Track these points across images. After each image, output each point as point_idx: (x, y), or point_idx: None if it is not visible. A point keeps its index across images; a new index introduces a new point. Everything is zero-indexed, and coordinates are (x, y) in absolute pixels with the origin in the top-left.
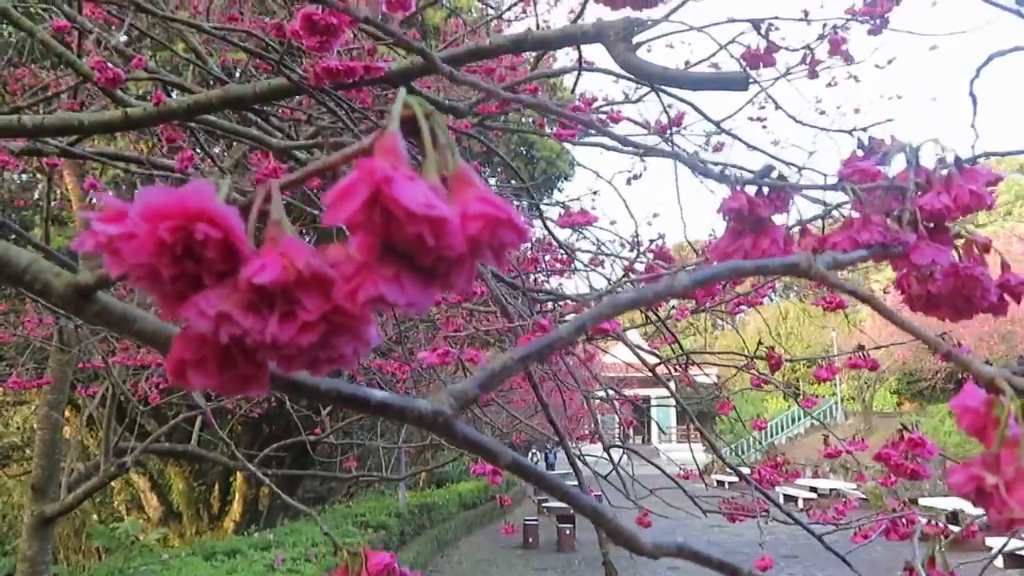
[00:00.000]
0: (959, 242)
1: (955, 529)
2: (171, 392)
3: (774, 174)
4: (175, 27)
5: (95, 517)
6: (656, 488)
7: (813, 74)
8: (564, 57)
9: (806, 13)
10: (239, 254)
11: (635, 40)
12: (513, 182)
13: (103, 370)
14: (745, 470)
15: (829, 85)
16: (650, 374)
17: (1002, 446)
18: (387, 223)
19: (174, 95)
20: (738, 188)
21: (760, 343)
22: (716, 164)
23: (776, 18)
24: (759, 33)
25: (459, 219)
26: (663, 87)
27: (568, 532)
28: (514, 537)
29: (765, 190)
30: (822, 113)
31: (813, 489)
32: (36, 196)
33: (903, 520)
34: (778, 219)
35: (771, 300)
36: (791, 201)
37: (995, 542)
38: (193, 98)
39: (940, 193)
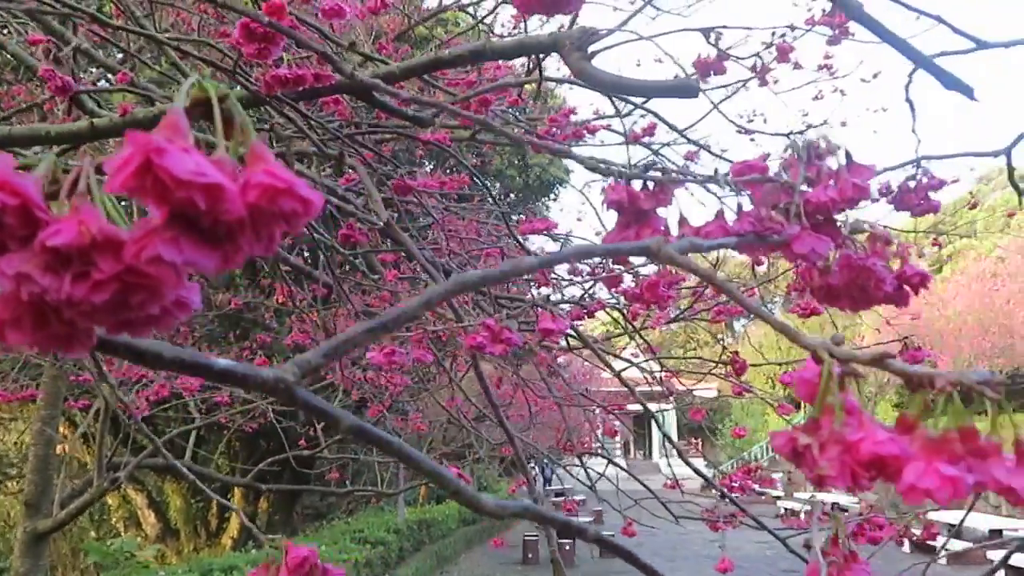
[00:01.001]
0: (862, 236)
1: (956, 542)
2: (163, 404)
3: (660, 171)
4: (141, 38)
5: (92, 534)
6: (641, 499)
7: (763, 81)
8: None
9: (749, 26)
10: (38, 220)
11: (590, 50)
12: (512, 195)
13: (92, 384)
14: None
15: (815, 99)
16: (653, 388)
17: (822, 411)
18: (161, 190)
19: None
20: (620, 182)
21: (724, 348)
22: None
23: (724, 27)
24: (708, 42)
25: (241, 188)
26: (617, 95)
27: (568, 548)
28: (514, 553)
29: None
30: (809, 126)
31: (835, 505)
32: None
33: (868, 524)
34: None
35: (771, 312)
36: (672, 194)
37: (997, 555)
38: (159, 108)
39: (826, 187)
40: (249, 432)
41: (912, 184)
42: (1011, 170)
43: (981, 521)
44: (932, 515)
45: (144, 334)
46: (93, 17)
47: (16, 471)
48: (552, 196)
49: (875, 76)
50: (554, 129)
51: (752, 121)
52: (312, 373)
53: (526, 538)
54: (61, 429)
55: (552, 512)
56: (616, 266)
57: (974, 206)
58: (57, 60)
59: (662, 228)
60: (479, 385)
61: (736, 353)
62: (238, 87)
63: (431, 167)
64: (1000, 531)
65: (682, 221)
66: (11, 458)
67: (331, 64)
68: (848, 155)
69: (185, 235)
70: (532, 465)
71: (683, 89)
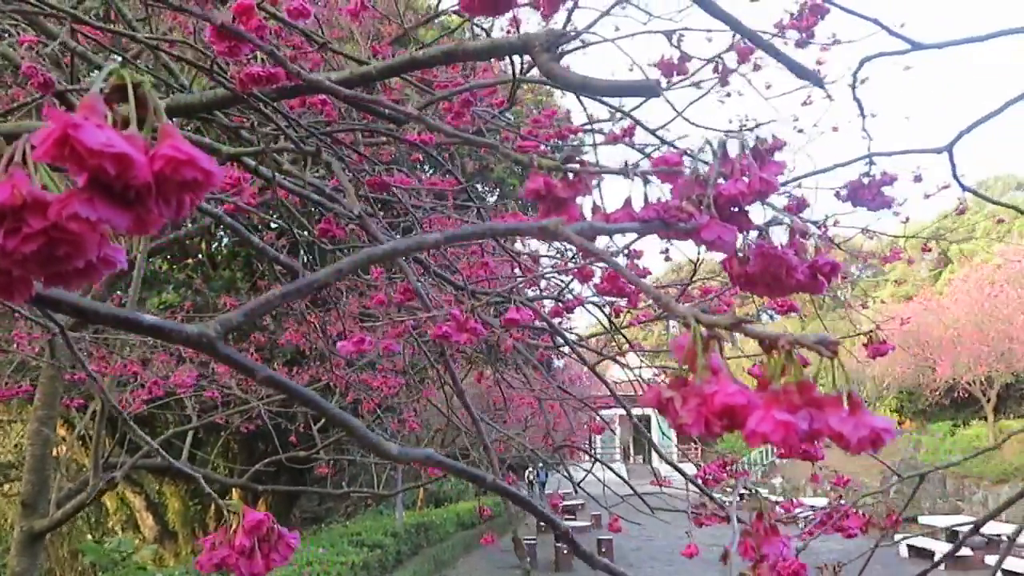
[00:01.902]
0: (778, 227)
1: (951, 546)
2: (155, 403)
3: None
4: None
5: (90, 537)
6: (627, 495)
7: (724, 82)
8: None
9: (709, 31)
10: None
11: (559, 50)
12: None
13: (86, 382)
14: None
15: (804, 104)
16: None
17: (690, 370)
18: (78, 158)
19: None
20: (539, 172)
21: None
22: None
23: (686, 29)
24: (671, 43)
25: (149, 158)
26: (584, 95)
27: (566, 551)
28: (511, 556)
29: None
30: (800, 131)
31: (813, 508)
32: None
33: (835, 513)
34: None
35: (771, 319)
36: (590, 184)
37: (993, 560)
38: None
39: (737, 180)
40: (246, 434)
41: (865, 181)
42: (953, 167)
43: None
44: (924, 519)
45: (75, 287)
46: (75, 17)
47: (16, 473)
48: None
49: (862, 82)
50: (537, 130)
51: (745, 125)
52: (233, 330)
53: (524, 542)
54: (60, 431)
55: (460, 464)
56: (587, 261)
57: (962, 212)
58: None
59: (578, 215)
60: (449, 381)
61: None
62: (219, 86)
63: (431, 171)
64: (999, 536)
65: (595, 208)
66: (11, 460)
67: (280, 64)
68: (756, 150)
69: (101, 197)
70: (530, 469)
71: (644, 89)
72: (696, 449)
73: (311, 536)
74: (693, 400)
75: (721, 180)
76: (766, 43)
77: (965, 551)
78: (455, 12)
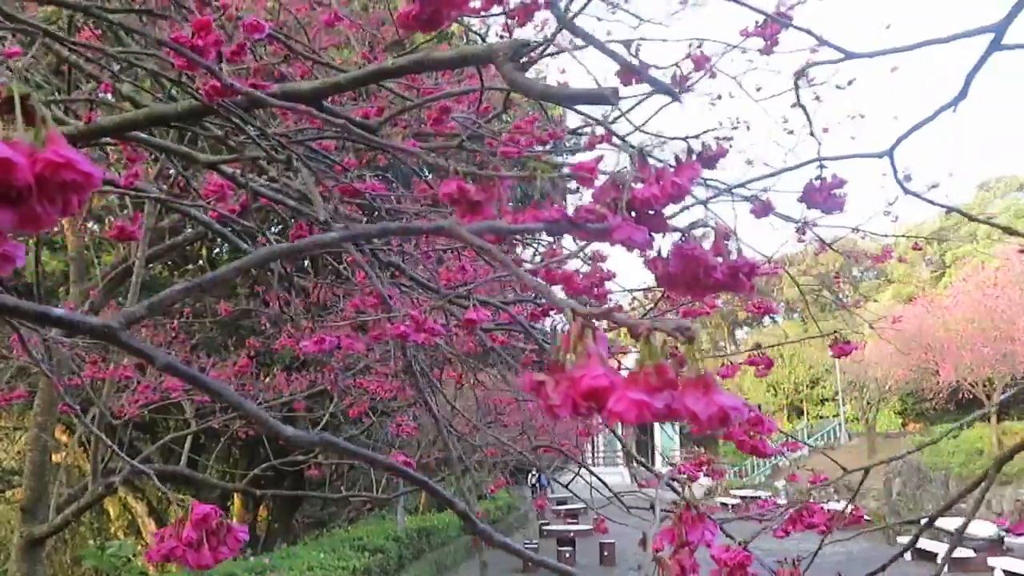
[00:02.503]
0: (699, 231)
1: (958, 550)
2: (152, 407)
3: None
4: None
5: (92, 543)
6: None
7: (684, 89)
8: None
9: (664, 39)
10: None
11: (522, 60)
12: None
13: (82, 388)
14: (758, 492)
15: (793, 106)
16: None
17: (570, 359)
18: None
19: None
20: (454, 176)
21: (665, 343)
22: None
23: (643, 39)
24: (629, 52)
25: (31, 162)
26: (546, 101)
27: (568, 555)
28: (513, 561)
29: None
30: (790, 132)
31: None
32: None
33: (806, 511)
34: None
35: (774, 322)
36: (503, 188)
37: (997, 562)
38: (121, 116)
39: (651, 184)
40: (247, 439)
41: (817, 183)
42: (895, 170)
43: (982, 528)
44: (1015, 537)
45: (6, 273)
46: (45, 32)
47: (19, 480)
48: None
49: (849, 83)
50: (519, 136)
51: (736, 128)
52: (135, 323)
53: (526, 546)
54: (61, 437)
55: (361, 450)
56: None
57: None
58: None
59: (491, 216)
60: (409, 381)
61: (675, 348)
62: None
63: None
64: (1002, 538)
65: (504, 211)
66: (14, 467)
67: (214, 77)
68: (676, 157)
69: None
70: (533, 473)
71: (602, 97)
72: (701, 452)
73: (313, 541)
74: (563, 383)
75: (638, 185)
76: (627, 63)
77: (968, 552)
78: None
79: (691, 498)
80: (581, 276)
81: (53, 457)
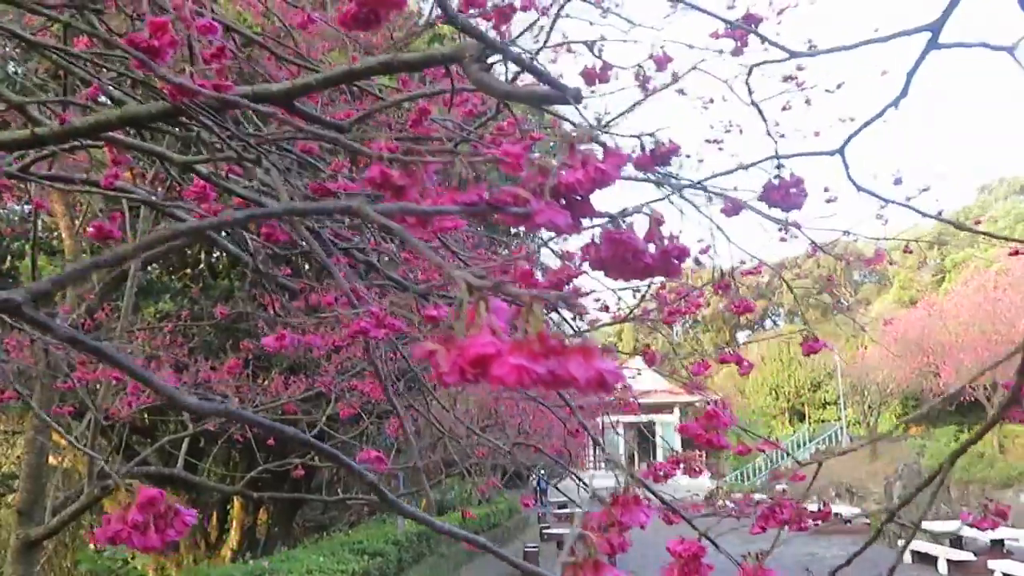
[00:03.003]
0: (632, 218)
1: (958, 552)
2: (147, 409)
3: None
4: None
5: (92, 547)
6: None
7: (644, 89)
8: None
9: (630, 39)
10: None
11: (488, 61)
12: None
13: (77, 389)
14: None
15: (784, 109)
16: (655, 399)
17: (461, 329)
18: None
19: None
20: (377, 162)
21: (637, 340)
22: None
23: (604, 39)
24: (592, 53)
25: None
26: (510, 102)
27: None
28: (507, 567)
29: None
30: (782, 136)
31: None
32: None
33: (779, 508)
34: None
35: (775, 325)
36: (423, 174)
37: (997, 564)
38: (95, 117)
39: (576, 169)
40: (247, 443)
41: (776, 182)
42: (846, 167)
43: (983, 531)
44: (931, 524)
45: None
46: (12, 33)
47: (19, 484)
48: None
49: (839, 87)
50: (501, 138)
51: (729, 131)
52: (40, 297)
53: (526, 549)
54: (59, 440)
55: (267, 420)
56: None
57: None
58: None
59: (415, 199)
60: (377, 379)
61: (648, 346)
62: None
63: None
64: (1002, 541)
65: (426, 193)
66: (14, 471)
67: (160, 78)
68: (604, 145)
69: None
70: (534, 476)
71: (563, 97)
72: (701, 454)
73: (312, 544)
74: (453, 352)
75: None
76: (529, 65)
77: (968, 555)
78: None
79: (629, 484)
80: (543, 274)
81: (50, 460)
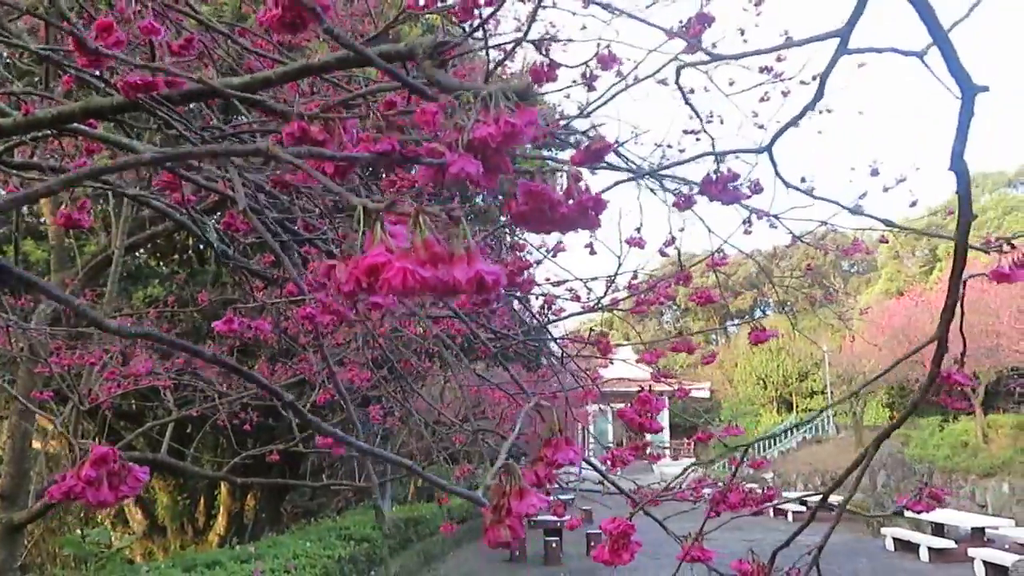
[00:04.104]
0: (558, 176)
1: (938, 540)
2: (127, 395)
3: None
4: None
5: (79, 532)
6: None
7: (591, 87)
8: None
9: (571, 39)
10: None
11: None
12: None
13: (60, 375)
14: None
15: (762, 100)
16: (642, 388)
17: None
18: None
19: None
20: (300, 122)
21: (592, 329)
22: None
23: (554, 39)
24: (539, 52)
25: None
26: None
27: (555, 545)
28: (501, 550)
29: None
30: (760, 127)
31: (803, 502)
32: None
33: (728, 493)
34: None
35: (764, 315)
36: (341, 131)
37: (977, 552)
38: (58, 109)
39: (488, 124)
40: (235, 429)
41: (714, 176)
42: (774, 165)
43: (964, 519)
44: (911, 513)
45: None
46: None
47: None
48: None
49: (814, 78)
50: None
51: (711, 122)
52: None
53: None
54: (46, 424)
55: (182, 342)
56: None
57: (951, 212)
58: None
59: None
60: (326, 373)
61: (603, 333)
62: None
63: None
64: (983, 529)
65: (344, 148)
66: None
67: (98, 81)
68: (515, 105)
69: None
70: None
71: (517, 94)
72: (688, 444)
73: (299, 530)
74: (350, 265)
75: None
76: (388, 67)
77: (949, 543)
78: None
79: (515, 472)
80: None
81: (34, 444)
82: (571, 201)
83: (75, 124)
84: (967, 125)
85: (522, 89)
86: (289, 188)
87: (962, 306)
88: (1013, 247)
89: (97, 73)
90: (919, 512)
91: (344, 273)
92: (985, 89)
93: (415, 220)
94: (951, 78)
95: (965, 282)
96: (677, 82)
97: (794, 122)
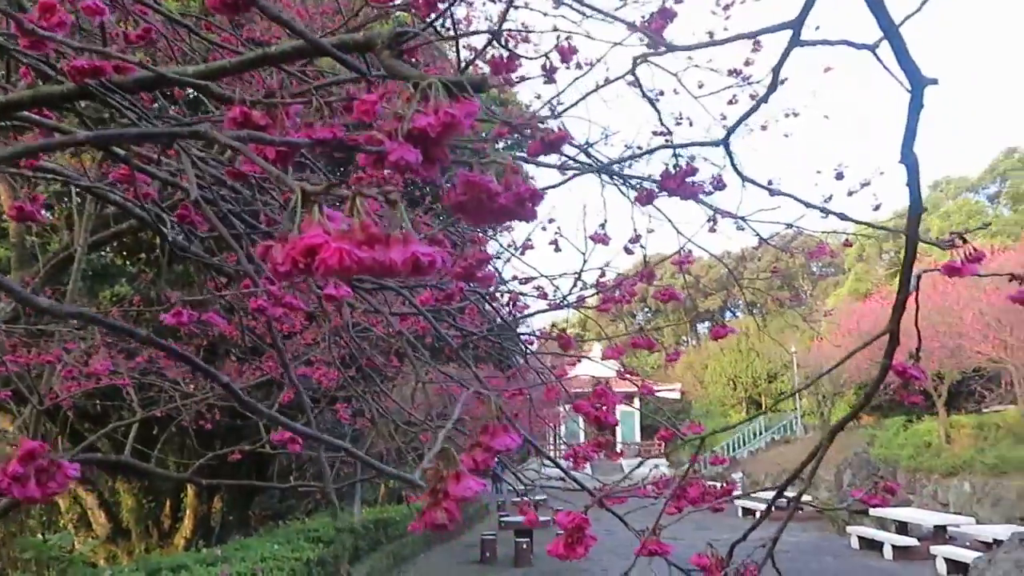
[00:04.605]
0: (498, 167)
1: (902, 538)
2: (104, 395)
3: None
4: None
5: (41, 536)
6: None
7: (551, 80)
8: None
9: (531, 30)
10: None
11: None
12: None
13: (19, 374)
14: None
15: (730, 103)
16: (618, 389)
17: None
18: None
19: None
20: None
21: (553, 324)
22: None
23: (510, 31)
24: (498, 43)
25: None
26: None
27: (525, 546)
28: (472, 552)
29: None
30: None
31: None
32: None
33: (687, 488)
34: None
35: (735, 316)
36: (285, 116)
37: (939, 550)
38: (6, 97)
39: (428, 114)
40: (202, 430)
41: (672, 171)
42: (731, 158)
43: (927, 518)
44: (879, 511)
45: None
46: None
47: None
48: None
49: (782, 82)
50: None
51: (680, 124)
52: None
53: (484, 537)
54: (7, 425)
55: (116, 323)
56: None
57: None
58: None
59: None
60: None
61: (563, 330)
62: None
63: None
64: (944, 527)
65: (287, 134)
66: None
67: (45, 67)
68: (454, 95)
69: None
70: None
71: (474, 85)
72: (659, 445)
73: (267, 532)
74: (287, 246)
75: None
76: (348, 61)
77: (912, 541)
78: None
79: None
80: (453, 262)
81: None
82: (509, 192)
83: (25, 113)
84: (917, 118)
85: (477, 81)
86: (247, 180)
87: (916, 301)
88: (965, 241)
89: (44, 59)
90: (874, 506)
91: (281, 254)
92: (934, 82)
93: (352, 203)
94: (902, 72)
95: (919, 277)
96: (633, 72)
97: (748, 115)
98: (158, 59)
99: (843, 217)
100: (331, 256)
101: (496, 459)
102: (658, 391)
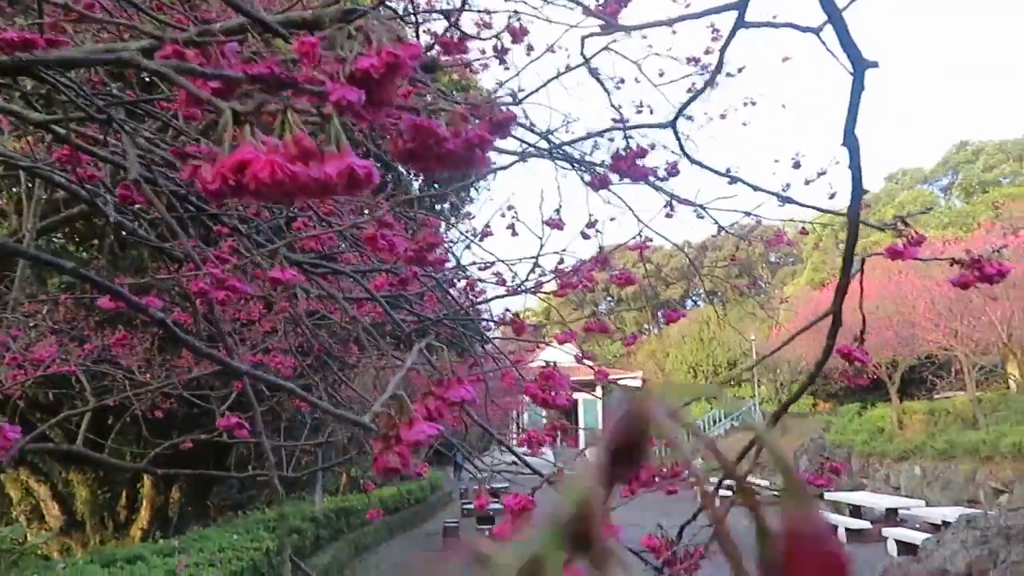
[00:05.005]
0: (447, 114)
1: (855, 521)
2: (57, 384)
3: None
4: None
5: None
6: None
7: (502, 61)
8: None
9: (489, 10)
10: None
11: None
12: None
13: None
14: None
15: (689, 91)
16: (578, 378)
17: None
18: None
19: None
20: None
21: (507, 310)
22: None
23: (467, 9)
24: (450, 24)
25: None
26: None
27: (487, 533)
28: (434, 540)
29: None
30: (689, 118)
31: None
32: None
33: (662, 478)
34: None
35: (696, 304)
36: (219, 53)
37: (890, 532)
38: None
39: (371, 55)
40: (158, 420)
41: (624, 152)
42: (679, 139)
43: (879, 501)
44: (833, 495)
45: None
46: None
47: None
48: (475, 188)
49: (740, 71)
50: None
51: (640, 111)
52: None
53: (446, 525)
54: None
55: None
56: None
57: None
58: None
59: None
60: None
61: (517, 315)
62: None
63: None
64: (896, 510)
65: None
66: None
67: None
68: (400, 39)
69: None
70: (452, 453)
71: (423, 67)
72: None
73: (227, 523)
74: (217, 164)
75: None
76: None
77: (865, 524)
78: None
79: (406, 406)
80: (405, 246)
81: None
82: (458, 138)
83: None
84: (858, 100)
85: (427, 62)
86: (191, 157)
87: (861, 284)
88: (907, 225)
89: None
90: (821, 486)
91: (211, 172)
92: (875, 64)
93: (283, 117)
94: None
95: (863, 260)
96: (582, 52)
97: (695, 97)
98: (103, 39)
99: (789, 200)
100: (262, 170)
101: (455, 448)
102: (620, 379)
